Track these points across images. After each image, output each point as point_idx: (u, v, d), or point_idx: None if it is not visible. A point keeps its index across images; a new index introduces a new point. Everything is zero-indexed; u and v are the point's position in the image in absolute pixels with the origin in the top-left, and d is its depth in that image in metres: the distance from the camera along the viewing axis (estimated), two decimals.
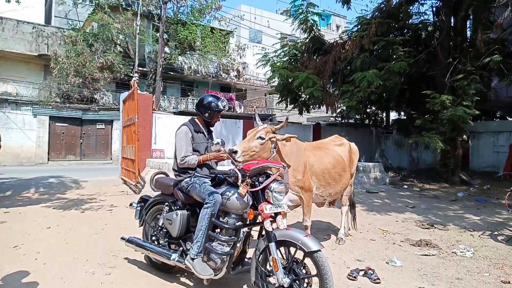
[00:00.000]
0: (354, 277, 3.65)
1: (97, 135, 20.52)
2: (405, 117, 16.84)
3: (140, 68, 19.23)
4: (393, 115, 20.48)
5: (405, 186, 11.27)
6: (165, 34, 18.87)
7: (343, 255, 4.42)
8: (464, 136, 11.71)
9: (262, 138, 3.57)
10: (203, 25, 22.44)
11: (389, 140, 18.70)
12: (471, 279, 3.75)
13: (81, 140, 20.04)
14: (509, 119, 17.75)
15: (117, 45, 20.69)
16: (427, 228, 5.92)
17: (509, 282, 3.66)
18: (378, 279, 3.60)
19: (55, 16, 22.74)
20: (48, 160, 18.75)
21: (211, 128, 3.74)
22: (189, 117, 3.68)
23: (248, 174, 2.93)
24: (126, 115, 10.58)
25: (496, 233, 5.61)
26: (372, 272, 3.70)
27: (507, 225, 6.15)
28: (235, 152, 3.32)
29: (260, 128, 3.67)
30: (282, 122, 3.93)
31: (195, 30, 21.56)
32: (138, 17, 18.55)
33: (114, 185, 10.18)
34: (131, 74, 17.90)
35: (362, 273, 3.75)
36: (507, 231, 5.71)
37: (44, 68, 19.92)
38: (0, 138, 7.58)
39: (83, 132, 20.14)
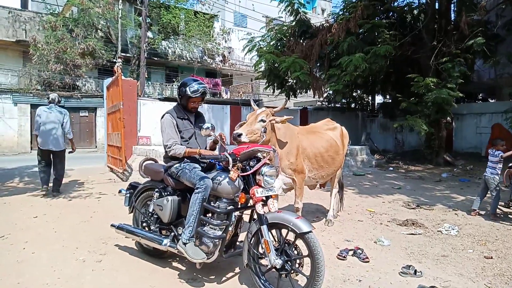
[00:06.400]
0: (344, 256, 3.73)
1: (80, 122, 20.09)
2: (390, 101, 17.01)
3: (123, 54, 18.77)
4: (379, 99, 20.66)
5: (391, 168, 11.47)
6: (147, 18, 18.41)
7: (332, 236, 4.49)
8: (448, 118, 11.90)
9: (263, 121, 3.67)
10: (186, 9, 21.93)
11: (375, 123, 18.92)
12: (456, 255, 3.88)
13: None
14: (491, 101, 18.10)
15: (99, 30, 20.14)
16: (413, 208, 6.07)
17: (491, 258, 3.80)
18: (367, 258, 3.69)
19: (32, 0, 21.82)
20: (31, 149, 18.20)
21: (201, 111, 3.69)
22: (175, 104, 3.59)
23: (238, 159, 2.93)
24: (110, 102, 10.37)
25: (482, 212, 5.79)
26: (361, 252, 3.79)
27: (489, 203, 6.33)
28: (240, 135, 3.42)
29: (260, 111, 3.75)
30: (278, 106, 4.02)
31: (178, 13, 21.09)
32: (120, 1, 17.99)
33: (101, 173, 10.05)
34: (114, 60, 17.48)
35: (351, 253, 3.84)
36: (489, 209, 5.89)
37: (23, 54, 19.25)
38: None
39: None
